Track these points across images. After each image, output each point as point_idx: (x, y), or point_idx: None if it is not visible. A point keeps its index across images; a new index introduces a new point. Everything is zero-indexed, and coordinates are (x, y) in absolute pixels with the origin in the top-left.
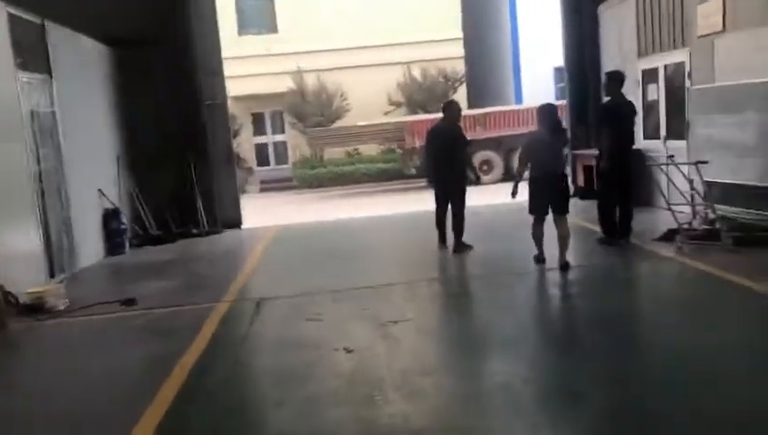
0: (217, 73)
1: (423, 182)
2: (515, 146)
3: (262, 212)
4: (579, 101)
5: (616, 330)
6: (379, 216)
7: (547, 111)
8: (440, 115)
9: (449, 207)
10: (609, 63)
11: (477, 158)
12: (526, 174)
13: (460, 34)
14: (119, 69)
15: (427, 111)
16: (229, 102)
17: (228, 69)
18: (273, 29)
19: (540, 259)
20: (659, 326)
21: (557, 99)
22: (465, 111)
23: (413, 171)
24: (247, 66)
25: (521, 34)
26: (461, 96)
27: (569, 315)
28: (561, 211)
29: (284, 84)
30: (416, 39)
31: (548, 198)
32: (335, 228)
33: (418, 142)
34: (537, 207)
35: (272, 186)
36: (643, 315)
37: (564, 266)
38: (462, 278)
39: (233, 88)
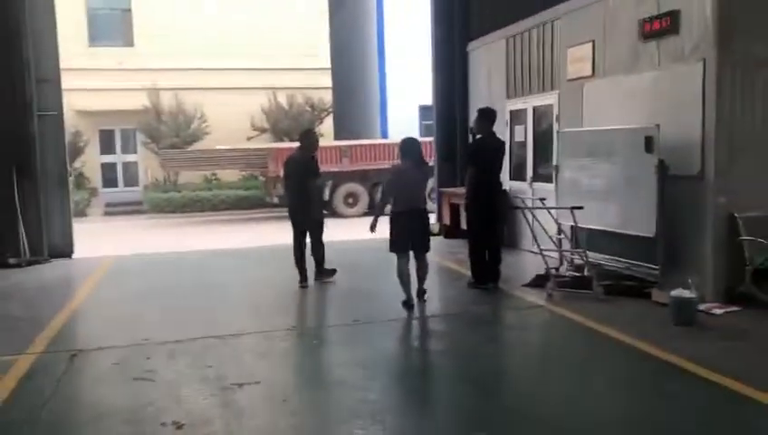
0: (53, 81)
1: (286, 212)
2: (381, 180)
3: (101, 239)
4: (446, 139)
5: (487, 391)
6: (236, 248)
7: (410, 145)
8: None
9: (307, 240)
10: (477, 102)
11: (342, 190)
12: (387, 208)
13: (327, 65)
14: None
15: (292, 140)
16: (75, 117)
17: (76, 81)
18: (128, 42)
19: (408, 304)
20: (534, 384)
21: (422, 135)
22: (333, 143)
23: (276, 200)
24: (98, 80)
25: (388, 71)
26: (327, 127)
27: (436, 375)
28: (423, 249)
29: (138, 102)
30: (283, 65)
31: (411, 234)
32: (183, 262)
33: (282, 171)
34: (400, 244)
35: (119, 209)
36: (515, 372)
37: (421, 294)
38: (322, 328)
39: (80, 102)
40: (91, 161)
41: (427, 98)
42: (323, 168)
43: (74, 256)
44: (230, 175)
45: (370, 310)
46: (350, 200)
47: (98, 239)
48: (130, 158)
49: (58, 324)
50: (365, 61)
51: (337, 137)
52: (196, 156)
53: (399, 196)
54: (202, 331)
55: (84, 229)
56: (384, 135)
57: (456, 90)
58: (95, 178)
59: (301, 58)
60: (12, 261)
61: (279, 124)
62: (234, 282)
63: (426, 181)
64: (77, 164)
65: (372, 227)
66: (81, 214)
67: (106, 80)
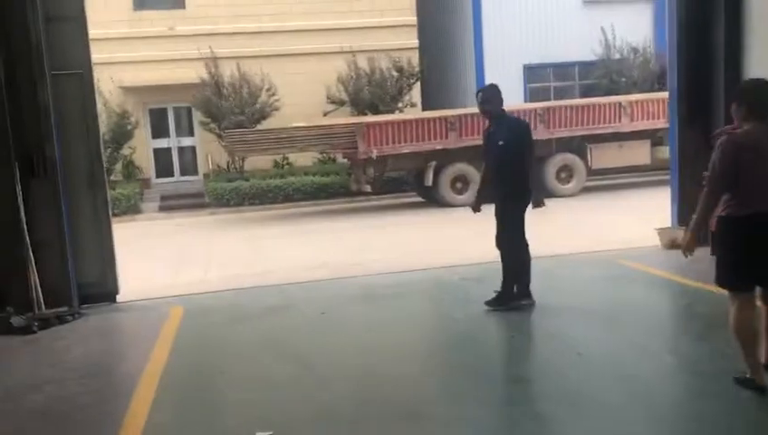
0: (74, 19)
1: (379, 202)
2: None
3: (160, 250)
4: (691, 89)
5: None
6: (366, 278)
7: (762, 91)
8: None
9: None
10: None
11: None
12: None
13: (413, 20)
14: None
15: (377, 112)
16: (121, 94)
17: (119, 52)
18: (179, 3)
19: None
20: None
21: (526, 101)
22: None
23: (368, 188)
24: (145, 49)
25: (485, 26)
26: (415, 94)
27: None
28: None
29: (194, 73)
30: (360, 23)
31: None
32: (294, 309)
33: (376, 151)
34: (746, 272)
35: (177, 203)
36: None
37: None
38: None
39: (125, 76)
40: (141, 147)
41: (534, 55)
42: (428, 144)
43: (120, 296)
44: (302, 159)
45: None
46: (459, 185)
47: (155, 250)
48: (186, 141)
49: None
50: (458, 13)
51: (425, 106)
52: (269, 136)
53: (748, 187)
54: None
55: (138, 234)
56: None
57: (713, 24)
58: (147, 166)
59: (381, 13)
60: (15, 322)
61: (360, 94)
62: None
63: None
64: (125, 151)
65: (689, 248)
66: (135, 211)
67: (155, 49)
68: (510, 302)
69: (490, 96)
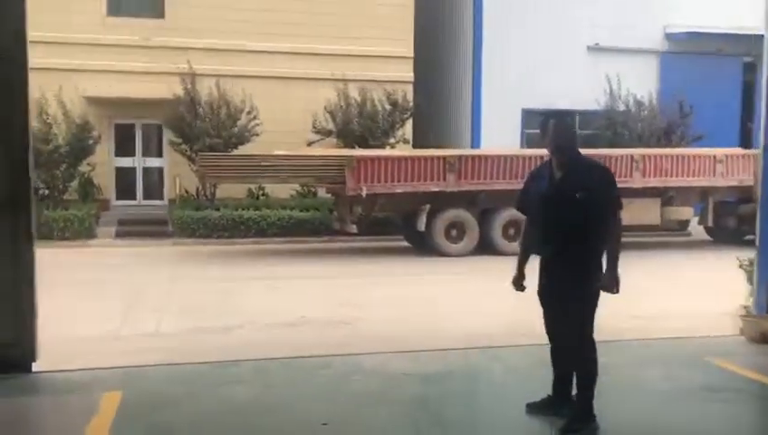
0: None
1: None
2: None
3: (107, 287)
4: None
5: None
6: (373, 354)
7: None
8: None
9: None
10: None
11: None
12: None
13: (410, 53)
14: None
15: (366, 145)
16: (83, 104)
17: (87, 60)
18: (158, 13)
19: None
20: None
21: (522, 147)
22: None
23: (354, 229)
24: (116, 59)
25: (485, 65)
26: (408, 130)
27: None
28: None
29: (167, 89)
30: (354, 51)
31: None
32: (291, 410)
33: (366, 188)
34: None
35: (136, 229)
36: None
37: None
38: None
39: (91, 85)
40: (102, 164)
41: (534, 100)
42: (424, 186)
43: (38, 364)
44: (277, 191)
45: None
46: (454, 233)
47: (103, 285)
48: (154, 162)
49: None
50: (457, 50)
51: (415, 143)
52: (248, 163)
53: None
54: None
55: (86, 263)
56: (476, 143)
57: None
58: (107, 186)
59: (377, 43)
60: None
61: (349, 126)
62: None
63: None
64: (83, 167)
65: None
66: (88, 235)
67: (126, 60)
68: (593, 423)
69: (565, 130)
